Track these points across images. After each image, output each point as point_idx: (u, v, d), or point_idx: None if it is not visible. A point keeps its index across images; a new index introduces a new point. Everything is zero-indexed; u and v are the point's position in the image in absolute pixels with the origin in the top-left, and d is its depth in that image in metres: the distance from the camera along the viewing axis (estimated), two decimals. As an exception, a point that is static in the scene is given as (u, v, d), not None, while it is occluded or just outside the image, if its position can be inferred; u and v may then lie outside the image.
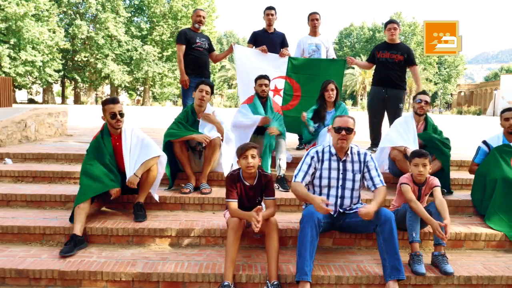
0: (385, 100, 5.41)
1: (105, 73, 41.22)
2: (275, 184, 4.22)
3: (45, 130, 6.39)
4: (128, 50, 42.63)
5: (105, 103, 3.58)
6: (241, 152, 3.00)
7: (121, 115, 3.55)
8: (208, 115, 4.22)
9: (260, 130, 4.60)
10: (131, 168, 3.52)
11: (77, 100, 47.00)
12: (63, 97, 49.47)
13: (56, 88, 51.95)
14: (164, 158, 3.75)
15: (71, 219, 3.30)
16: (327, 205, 2.79)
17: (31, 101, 46.15)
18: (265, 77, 4.69)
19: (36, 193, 3.86)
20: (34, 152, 4.86)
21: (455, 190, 4.35)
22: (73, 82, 47.09)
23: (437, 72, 61.20)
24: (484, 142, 4.10)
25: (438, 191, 3.19)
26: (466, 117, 39.70)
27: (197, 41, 5.39)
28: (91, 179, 3.39)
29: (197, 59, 5.37)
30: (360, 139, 6.53)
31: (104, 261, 3.00)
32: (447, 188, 4.08)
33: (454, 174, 4.65)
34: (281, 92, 5.54)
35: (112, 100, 3.59)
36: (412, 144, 4.03)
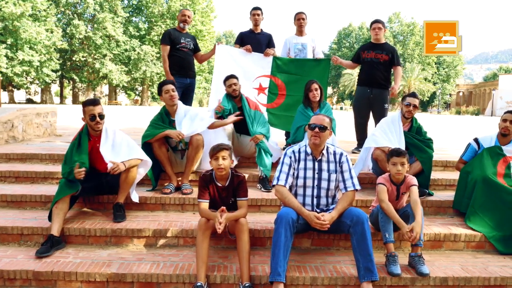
0: (371, 100, 5.38)
1: (103, 73, 41.19)
2: (258, 184, 4.22)
3: (33, 130, 6.37)
4: (126, 50, 42.60)
5: (85, 104, 3.55)
6: (213, 153, 2.97)
7: (101, 117, 3.52)
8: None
9: (242, 129, 4.57)
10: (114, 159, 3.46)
11: (75, 100, 46.97)
12: (62, 97, 49.45)
13: (55, 88, 51.94)
14: (149, 162, 3.74)
15: (50, 218, 3.28)
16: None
17: (29, 101, 46.13)
18: (233, 76, 4.55)
19: (16, 194, 3.85)
20: (18, 152, 4.84)
21: (439, 191, 4.34)
22: (71, 82, 47.07)
23: (436, 72, 61.14)
24: (476, 140, 4.09)
25: (414, 190, 3.17)
26: (464, 117, 39.69)
27: (182, 41, 5.35)
28: (66, 179, 3.38)
29: (181, 59, 5.33)
30: (348, 139, 6.54)
31: (80, 262, 3.00)
32: (426, 189, 4.04)
33: (438, 175, 4.64)
34: (266, 91, 5.52)
35: (92, 101, 3.56)
36: (397, 145, 3.98)
